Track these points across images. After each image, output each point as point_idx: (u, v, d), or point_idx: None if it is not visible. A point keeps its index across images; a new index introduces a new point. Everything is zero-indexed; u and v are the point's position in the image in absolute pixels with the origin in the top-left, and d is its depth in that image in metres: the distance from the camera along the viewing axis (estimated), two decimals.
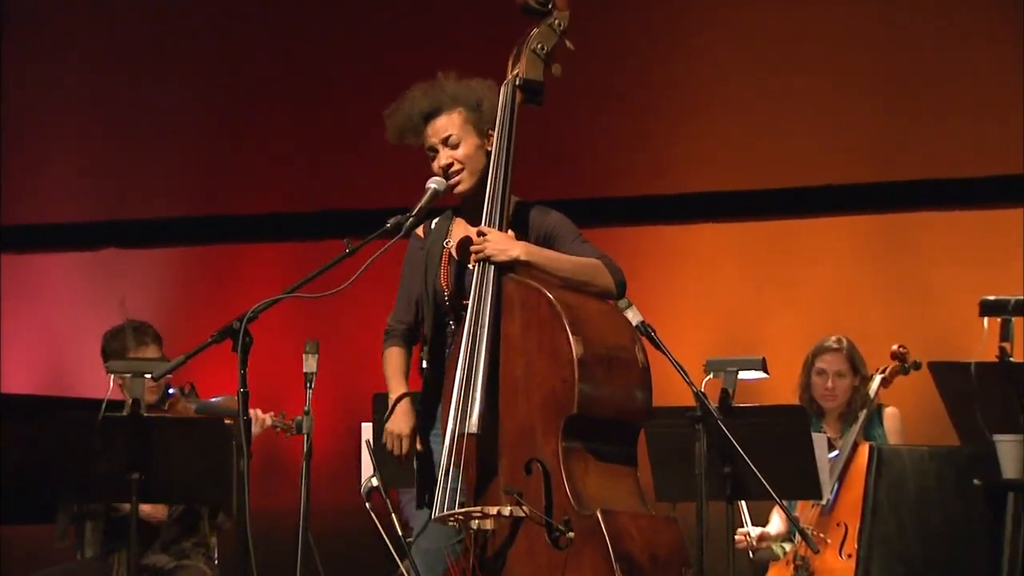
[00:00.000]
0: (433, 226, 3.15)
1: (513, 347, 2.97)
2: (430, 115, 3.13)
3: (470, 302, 3.02)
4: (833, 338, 4.78)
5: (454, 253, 3.17)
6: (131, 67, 6.41)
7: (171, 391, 4.64)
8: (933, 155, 5.74)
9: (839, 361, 4.72)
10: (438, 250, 3.17)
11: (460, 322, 3.07)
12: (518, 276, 3.01)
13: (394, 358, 3.20)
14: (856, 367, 4.73)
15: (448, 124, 3.13)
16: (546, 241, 3.13)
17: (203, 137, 6.42)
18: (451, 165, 3.14)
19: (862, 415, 4.64)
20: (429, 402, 3.15)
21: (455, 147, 3.14)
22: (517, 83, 3.11)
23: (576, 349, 2.88)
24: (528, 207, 3.18)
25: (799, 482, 4.06)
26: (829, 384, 4.71)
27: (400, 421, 3.13)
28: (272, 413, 4.73)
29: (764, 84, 5.93)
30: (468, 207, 3.18)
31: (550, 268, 3.03)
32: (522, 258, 3.01)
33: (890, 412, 4.78)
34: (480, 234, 3.05)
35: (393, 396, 3.17)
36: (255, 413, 4.42)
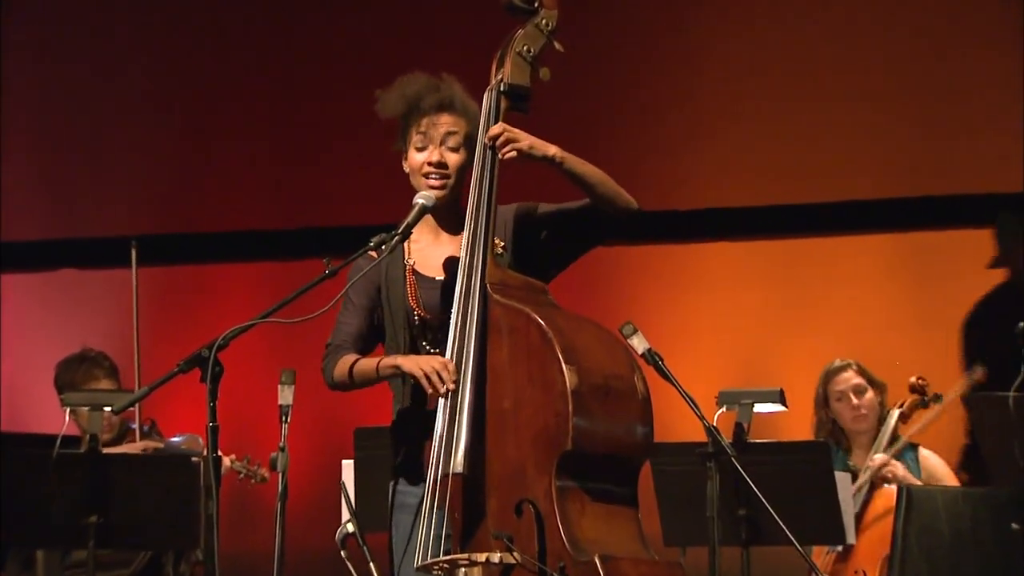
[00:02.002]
0: (384, 245, 3.15)
1: (501, 377, 2.95)
2: (441, 107, 3.15)
3: (452, 328, 3.01)
4: (836, 360, 4.85)
5: (421, 269, 3.17)
6: (88, 74, 6.43)
7: (132, 427, 4.66)
8: (966, 169, 5.77)
9: (854, 376, 4.77)
10: (399, 268, 3.18)
11: (439, 344, 3.07)
12: (505, 299, 3.01)
13: (352, 360, 3.10)
14: (872, 380, 4.79)
15: (455, 125, 3.14)
16: (537, 222, 3.16)
17: (169, 147, 6.43)
18: (444, 165, 3.15)
19: (882, 443, 4.65)
20: (406, 438, 3.15)
21: (453, 151, 3.16)
22: (501, 89, 3.11)
23: (570, 379, 2.86)
24: (508, 212, 3.20)
25: (821, 525, 4.06)
26: (854, 402, 4.74)
27: (416, 357, 3.00)
28: (234, 456, 4.73)
29: (782, 90, 5.96)
30: (437, 216, 3.20)
31: (583, 172, 3.09)
32: (558, 157, 3.06)
33: (928, 454, 4.79)
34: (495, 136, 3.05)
35: (385, 361, 3.05)
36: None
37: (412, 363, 3.01)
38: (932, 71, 5.84)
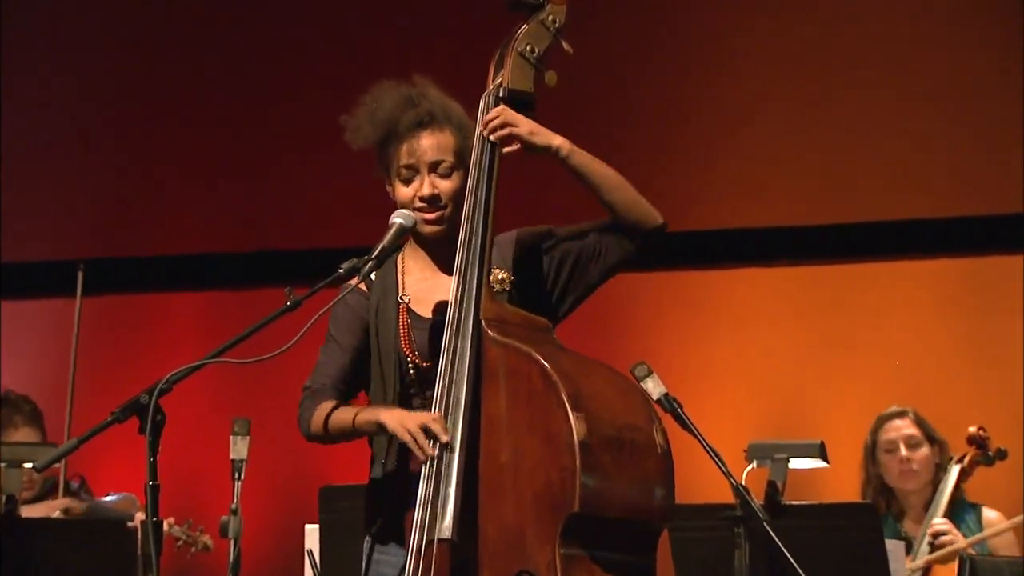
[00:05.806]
0: (375, 277, 3.14)
1: (497, 427, 2.95)
2: (420, 125, 3.14)
3: (440, 370, 3.01)
4: (893, 406, 4.90)
5: (416, 307, 3.17)
6: (18, 80, 6.46)
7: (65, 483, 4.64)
8: None
9: (908, 425, 4.80)
10: (391, 306, 3.17)
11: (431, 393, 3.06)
12: (502, 337, 3.00)
13: (329, 408, 3.09)
14: (931, 435, 4.82)
15: (442, 146, 3.13)
16: (545, 248, 3.16)
17: (105, 161, 6.46)
18: (437, 198, 3.15)
19: (941, 505, 4.66)
20: (385, 501, 3.12)
21: (445, 176, 3.15)
22: (501, 94, 3.11)
23: (578, 430, 2.86)
24: (509, 240, 3.19)
25: None
26: (903, 454, 4.77)
27: (402, 412, 2.99)
28: (173, 519, 4.71)
29: (820, 94, 5.99)
30: (434, 250, 3.19)
31: (593, 171, 3.07)
32: (564, 150, 3.05)
33: (993, 516, 4.79)
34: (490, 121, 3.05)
35: (364, 414, 3.04)
36: None
37: (396, 421, 2.99)
38: (991, 73, 5.88)
